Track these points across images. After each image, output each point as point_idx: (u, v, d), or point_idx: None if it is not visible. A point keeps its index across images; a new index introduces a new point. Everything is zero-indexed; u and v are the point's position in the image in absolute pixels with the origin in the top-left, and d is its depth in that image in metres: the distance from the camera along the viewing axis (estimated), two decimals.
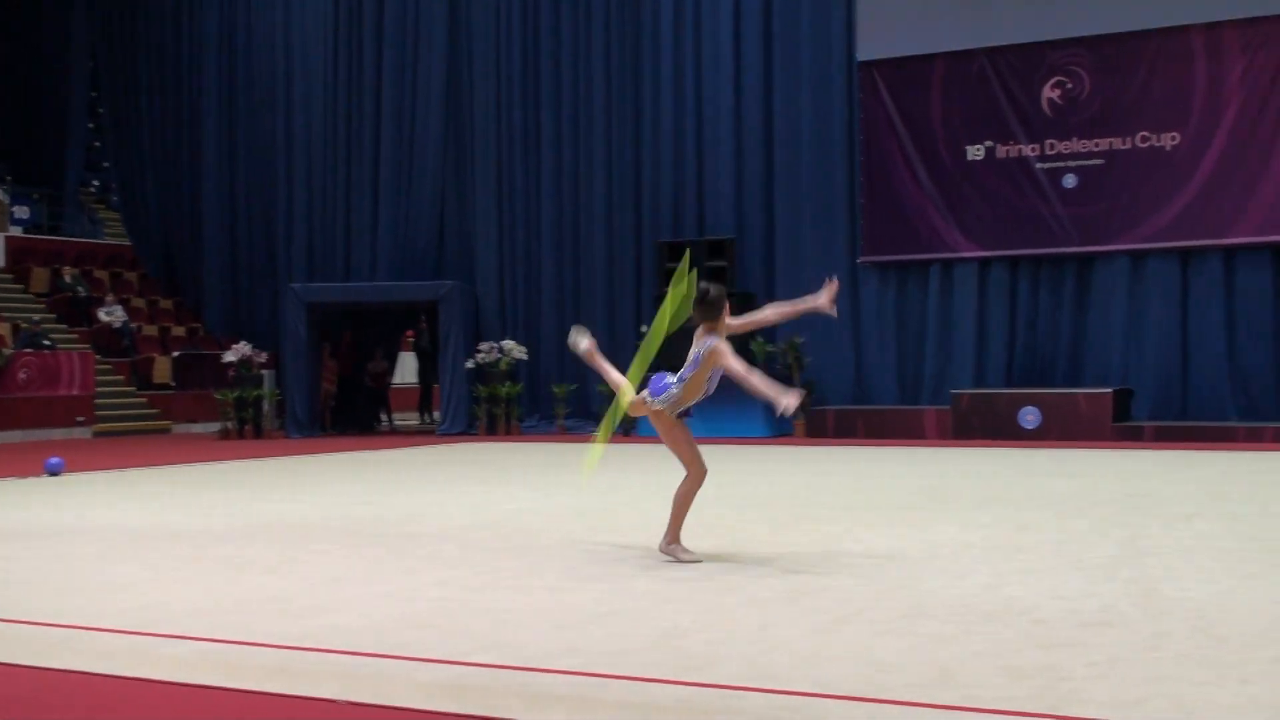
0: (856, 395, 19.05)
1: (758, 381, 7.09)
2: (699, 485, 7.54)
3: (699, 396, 7.51)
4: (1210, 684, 4.55)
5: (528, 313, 21.31)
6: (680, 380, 7.42)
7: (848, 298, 19.13)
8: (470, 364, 20.46)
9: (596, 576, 6.99)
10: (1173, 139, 17.24)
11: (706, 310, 7.38)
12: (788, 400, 6.84)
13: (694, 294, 7.55)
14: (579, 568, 7.29)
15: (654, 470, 13.24)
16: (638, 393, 7.63)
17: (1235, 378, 16.98)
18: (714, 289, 7.44)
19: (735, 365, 7.15)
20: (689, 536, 7.69)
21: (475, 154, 21.68)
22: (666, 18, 20.36)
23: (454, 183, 21.94)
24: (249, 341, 21.23)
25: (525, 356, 20.52)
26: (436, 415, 21.88)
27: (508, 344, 20.46)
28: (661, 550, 7.46)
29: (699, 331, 7.41)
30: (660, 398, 7.45)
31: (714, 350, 7.24)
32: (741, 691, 4.58)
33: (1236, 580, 6.56)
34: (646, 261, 20.29)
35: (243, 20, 23.72)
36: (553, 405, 20.38)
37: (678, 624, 5.71)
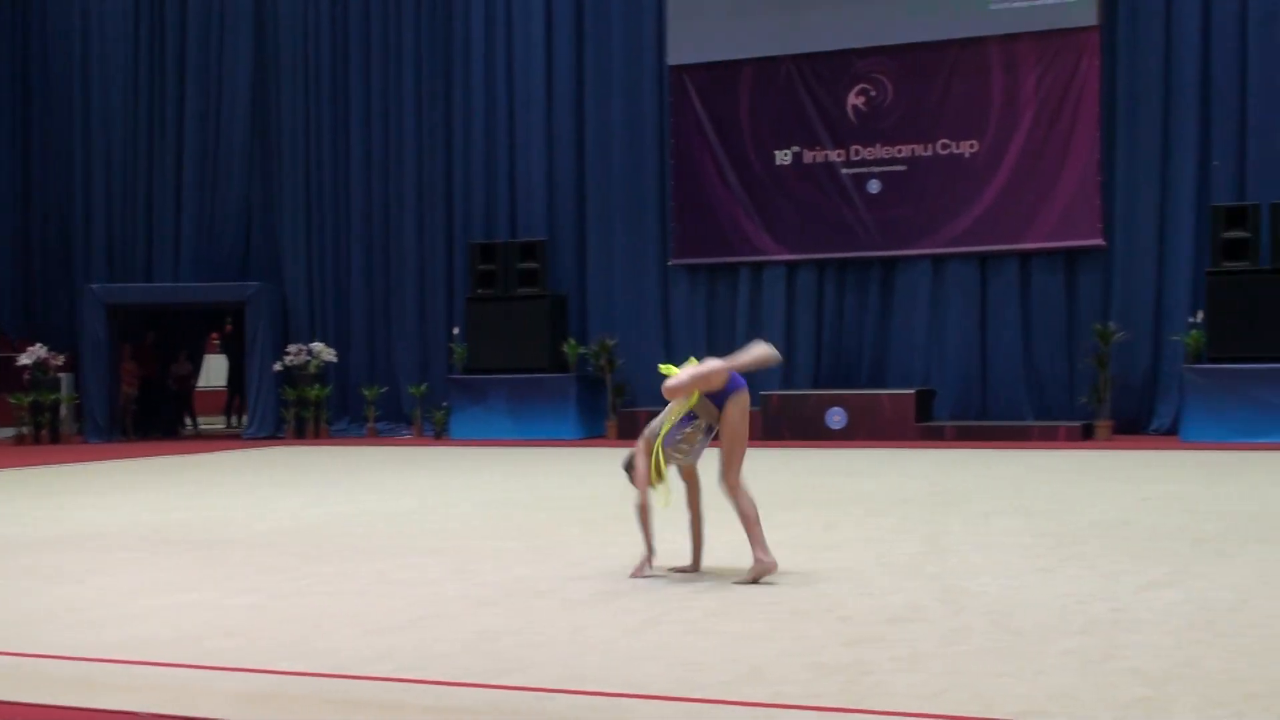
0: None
1: (723, 364, 6.85)
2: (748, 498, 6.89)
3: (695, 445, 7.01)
4: (1007, 675, 4.71)
5: (337, 315, 20.98)
6: (669, 443, 6.98)
7: (658, 299, 19.29)
8: (278, 366, 20.08)
9: (408, 581, 6.94)
10: (971, 147, 17.74)
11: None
12: (766, 350, 6.86)
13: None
14: (390, 573, 7.22)
15: (466, 472, 13.17)
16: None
17: (1030, 378, 17.54)
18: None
19: (685, 379, 6.86)
20: (515, 538, 7.66)
21: (283, 154, 21.26)
22: (477, 18, 20.22)
23: (260, 183, 21.48)
24: (45, 344, 20.50)
25: (335, 359, 20.21)
26: (244, 419, 21.42)
27: (316, 346, 20.12)
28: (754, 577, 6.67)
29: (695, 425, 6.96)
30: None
31: (670, 391, 6.94)
32: (553, 693, 4.59)
33: (1032, 574, 6.79)
34: (459, 263, 20.16)
35: (37, 9, 22.87)
36: (363, 408, 20.13)
37: (490, 627, 5.70)
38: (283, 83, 21.24)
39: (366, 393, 19.87)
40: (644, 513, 6.92)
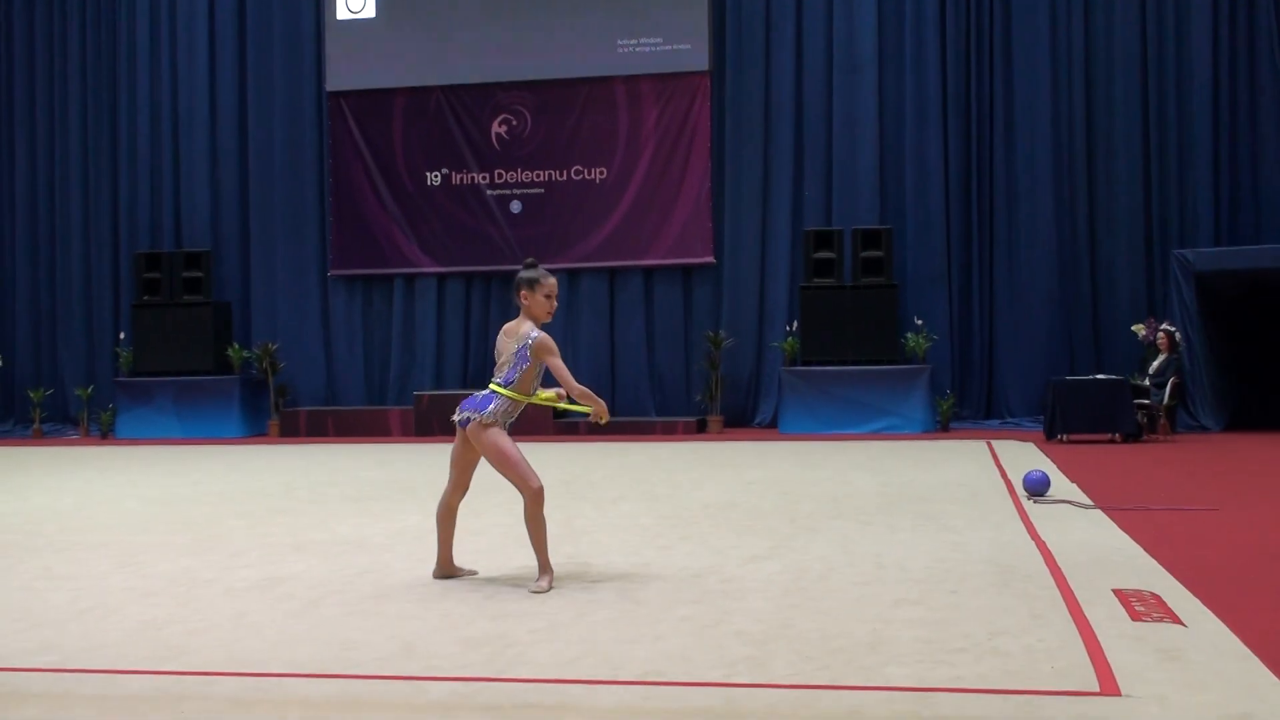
0: (327, 397, 18.78)
1: (580, 387, 5.96)
2: (541, 502, 5.96)
3: (527, 400, 6.11)
4: (632, 641, 4.80)
5: (1, 317, 19.62)
6: (508, 382, 6.02)
7: (319, 307, 18.88)
8: None
9: (73, 576, 6.54)
10: (601, 173, 18.08)
11: (531, 283, 6.09)
12: (602, 410, 5.97)
13: None
14: (54, 568, 6.79)
15: (132, 470, 12.53)
16: (458, 420, 6.15)
17: (653, 379, 18.01)
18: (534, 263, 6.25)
19: (562, 364, 5.97)
20: (178, 531, 7.31)
21: None
22: (143, 32, 19.24)
23: None
24: None
25: (1, 364, 18.89)
26: None
27: None
28: (535, 591, 5.78)
29: (512, 325, 6.10)
30: (487, 411, 5.98)
31: (540, 343, 5.98)
32: (215, 677, 4.42)
33: (653, 551, 6.96)
34: (124, 272, 19.17)
35: None
36: (29, 409, 18.88)
37: (155, 616, 5.44)
38: None
39: (32, 395, 18.66)
40: (535, 524, 5.97)
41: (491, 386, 6.07)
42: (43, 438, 18.54)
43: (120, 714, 4.05)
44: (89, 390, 18.64)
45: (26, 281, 19.50)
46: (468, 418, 6.07)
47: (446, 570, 6.25)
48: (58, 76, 19.59)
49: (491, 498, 9.35)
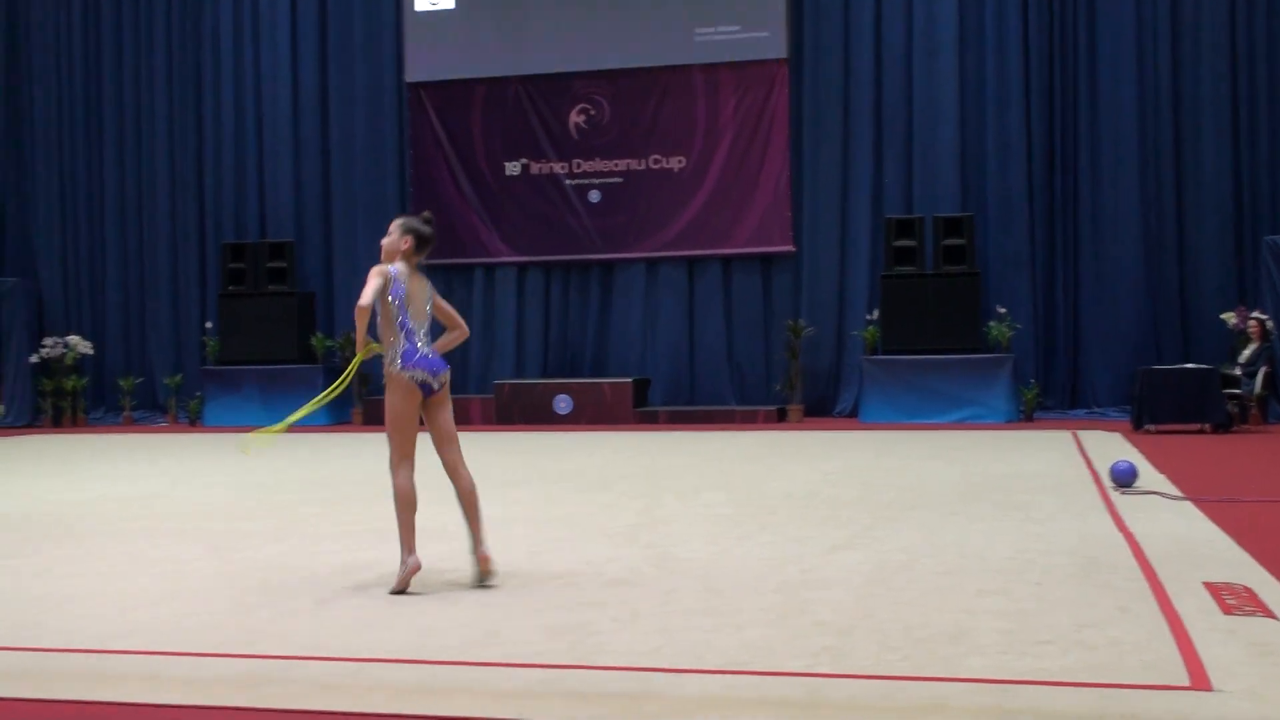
0: None
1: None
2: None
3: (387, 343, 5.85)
4: (713, 631, 4.79)
5: (93, 308, 20.01)
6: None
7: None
8: (35, 358, 19.03)
9: (161, 560, 6.66)
10: (679, 162, 18.05)
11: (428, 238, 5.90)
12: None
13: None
14: (141, 552, 6.92)
15: (220, 456, 12.73)
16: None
17: (732, 368, 17.95)
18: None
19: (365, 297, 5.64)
20: (263, 517, 7.41)
21: (36, 151, 20.13)
22: (227, 28, 19.52)
23: (14, 182, 20.28)
24: None
25: (91, 351, 19.27)
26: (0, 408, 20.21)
27: (73, 339, 19.15)
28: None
29: (403, 267, 5.86)
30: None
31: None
32: (302, 661, 4.48)
33: (733, 542, 6.94)
34: (211, 263, 19.48)
35: None
36: (119, 398, 19.25)
37: (243, 602, 5.52)
38: (35, 85, 20.12)
39: (122, 383, 19.02)
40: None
41: (429, 345, 5.85)
42: (133, 424, 18.89)
43: (207, 696, 4.11)
44: (177, 379, 18.95)
45: (116, 273, 19.87)
46: (446, 378, 5.88)
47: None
48: (144, 72, 19.91)
49: (564, 484, 9.41)
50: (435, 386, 5.81)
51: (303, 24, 19.32)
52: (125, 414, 19.09)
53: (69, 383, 18.92)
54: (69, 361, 18.94)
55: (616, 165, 18.20)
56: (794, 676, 4.16)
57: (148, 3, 19.90)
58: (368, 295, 5.63)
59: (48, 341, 19.04)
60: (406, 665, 4.39)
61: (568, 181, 18.35)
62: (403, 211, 18.81)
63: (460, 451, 5.99)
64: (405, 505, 5.78)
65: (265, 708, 3.99)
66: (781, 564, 6.16)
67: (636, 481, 10.05)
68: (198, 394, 18.69)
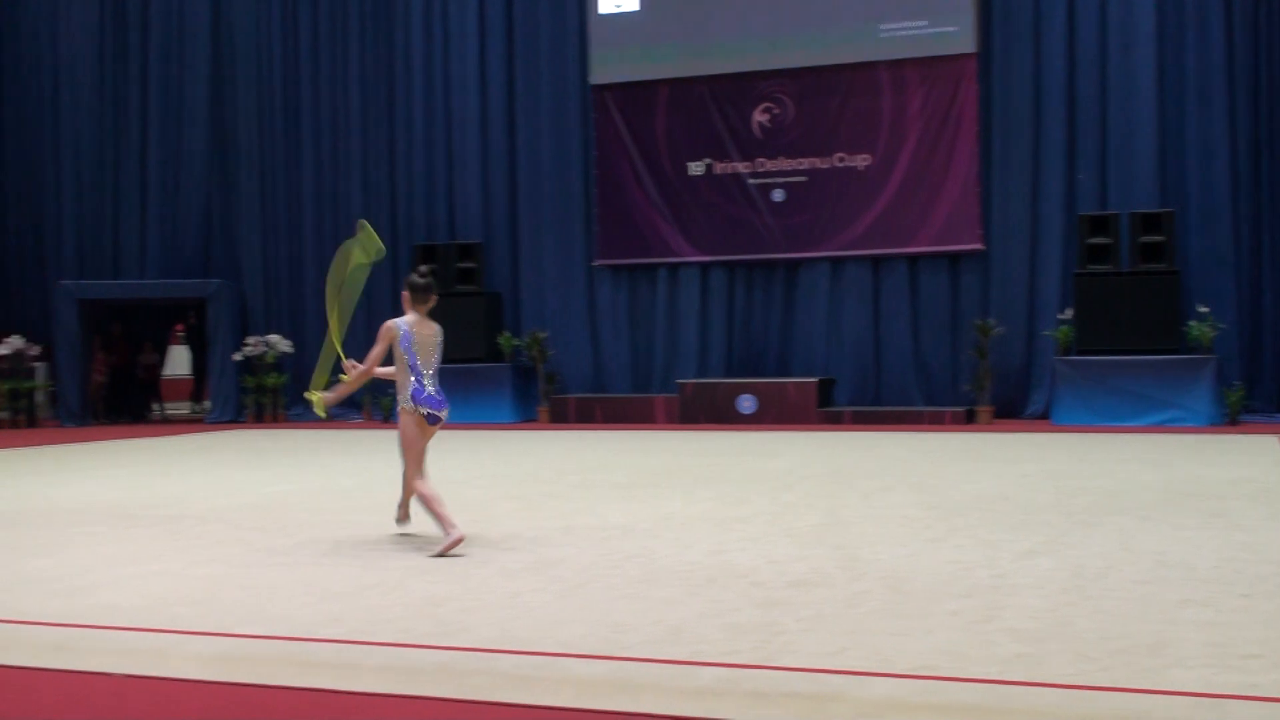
0: (594, 384, 19.17)
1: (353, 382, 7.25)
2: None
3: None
4: (900, 634, 4.73)
5: (292, 309, 20.76)
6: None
7: (585, 297, 19.27)
8: (238, 357, 19.84)
9: (357, 552, 6.86)
10: (865, 160, 17.85)
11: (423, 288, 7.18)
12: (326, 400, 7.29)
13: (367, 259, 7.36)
14: (341, 544, 7.14)
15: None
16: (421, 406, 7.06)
17: (919, 368, 17.68)
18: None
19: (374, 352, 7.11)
20: (453, 511, 7.57)
21: (240, 162, 20.98)
22: (417, 37, 20.05)
23: (220, 188, 21.18)
24: (21, 335, 20.11)
25: (291, 350, 20.00)
26: (207, 404, 21.10)
27: (273, 338, 19.90)
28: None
29: (415, 319, 7.12)
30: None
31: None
32: (493, 654, 4.56)
33: (921, 544, 6.83)
34: (402, 263, 20.00)
35: (7, 15, 22.36)
36: None
37: (434, 594, 5.65)
38: (239, 95, 20.96)
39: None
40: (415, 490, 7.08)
41: (435, 384, 7.08)
42: (330, 421, 19.51)
43: (405, 685, 4.22)
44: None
45: (315, 273, 20.52)
46: (446, 416, 7.14)
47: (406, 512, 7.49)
48: (339, 81, 20.56)
49: (748, 484, 9.38)
50: (439, 418, 7.08)
51: (490, 30, 19.71)
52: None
53: (270, 380, 19.65)
54: (270, 359, 19.68)
55: (800, 164, 18.10)
56: (984, 683, 4.07)
57: (343, 15, 20.55)
58: (367, 362, 7.14)
59: (250, 340, 19.82)
60: (595, 660, 4.44)
61: (751, 181, 18.31)
62: (587, 212, 19.08)
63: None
64: (434, 501, 6.87)
65: (459, 698, 4.08)
66: (972, 568, 6.04)
67: (821, 482, 9.98)
68: (390, 391, 19.21)
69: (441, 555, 6.62)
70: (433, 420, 7.04)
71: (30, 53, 22.12)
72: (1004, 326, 16.85)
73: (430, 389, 7.02)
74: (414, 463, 7.01)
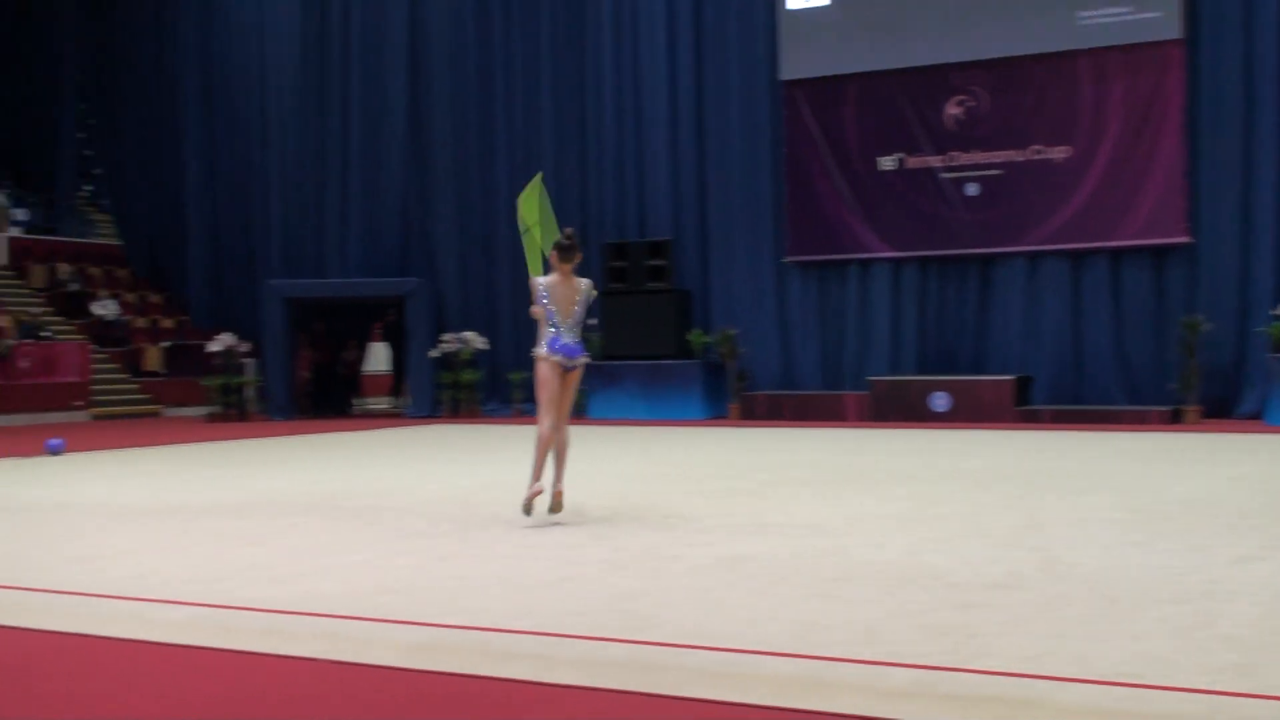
0: (784, 381, 19.09)
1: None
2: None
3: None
4: (1103, 640, 4.58)
5: (487, 307, 21.21)
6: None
7: (774, 294, 19.20)
8: (435, 353, 20.36)
9: (551, 545, 6.96)
10: (1063, 152, 17.36)
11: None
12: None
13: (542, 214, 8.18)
14: (534, 537, 7.25)
15: (605, 447, 13.19)
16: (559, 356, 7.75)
17: (1121, 365, 17.13)
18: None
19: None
20: (646, 507, 7.65)
21: (436, 164, 21.54)
22: (608, 38, 20.30)
23: (417, 189, 21.78)
24: (232, 333, 21.03)
25: (486, 346, 20.43)
26: (406, 399, 21.72)
27: (468, 335, 20.36)
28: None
29: (558, 279, 7.80)
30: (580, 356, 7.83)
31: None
32: (687, 649, 4.57)
33: (1126, 547, 6.61)
34: (593, 261, 20.22)
35: (220, 34, 23.41)
36: (510, 391, 20.30)
37: (627, 589, 5.69)
38: (435, 100, 21.50)
39: (513, 377, 20.03)
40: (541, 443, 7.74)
41: (572, 335, 7.75)
42: (522, 416, 19.87)
43: (597, 679, 4.25)
44: None
45: (508, 272, 20.94)
46: (582, 362, 7.80)
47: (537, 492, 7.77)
48: (530, 80, 20.93)
49: (943, 483, 9.21)
50: (569, 366, 7.73)
51: (679, 27, 19.80)
52: (515, 406, 20.11)
53: (465, 376, 20.12)
54: (465, 356, 20.14)
55: (995, 157, 17.71)
56: (1193, 693, 3.91)
57: (534, 13, 20.89)
58: (532, 311, 7.90)
59: (446, 337, 20.32)
60: (787, 659, 4.41)
61: (944, 175, 17.99)
62: (776, 208, 19.02)
63: (568, 416, 7.85)
64: (543, 444, 7.68)
65: (651, 692, 4.10)
66: (1181, 574, 5.82)
67: (1018, 482, 9.74)
68: (582, 387, 19.44)
69: (527, 512, 7.62)
70: (565, 366, 7.70)
71: (239, 65, 23.13)
72: (1213, 322, 16.20)
73: (567, 339, 7.72)
74: (545, 404, 7.67)
